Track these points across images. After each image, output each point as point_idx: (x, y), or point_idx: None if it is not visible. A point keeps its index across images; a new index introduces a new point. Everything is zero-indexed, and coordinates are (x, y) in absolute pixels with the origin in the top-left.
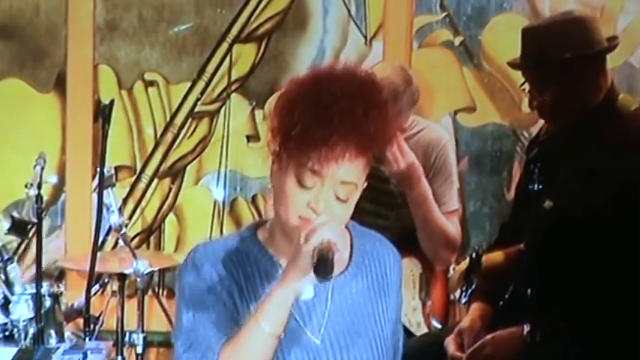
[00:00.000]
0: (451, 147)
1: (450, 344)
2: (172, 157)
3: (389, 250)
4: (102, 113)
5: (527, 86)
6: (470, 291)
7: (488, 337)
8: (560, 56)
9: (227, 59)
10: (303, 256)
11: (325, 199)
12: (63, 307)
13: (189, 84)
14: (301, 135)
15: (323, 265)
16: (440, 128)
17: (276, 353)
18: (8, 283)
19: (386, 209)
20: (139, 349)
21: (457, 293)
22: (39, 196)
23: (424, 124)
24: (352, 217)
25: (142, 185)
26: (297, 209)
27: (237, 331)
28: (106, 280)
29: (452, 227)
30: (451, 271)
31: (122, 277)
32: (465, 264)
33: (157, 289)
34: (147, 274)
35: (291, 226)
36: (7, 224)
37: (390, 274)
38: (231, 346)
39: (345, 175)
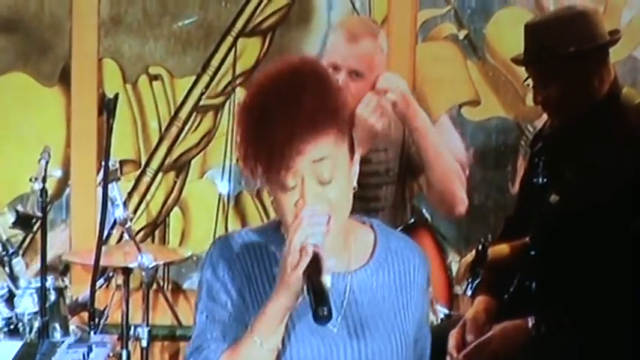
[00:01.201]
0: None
1: (451, 339)
2: (177, 151)
3: (414, 251)
4: (106, 107)
5: (530, 82)
6: (475, 283)
7: (494, 331)
8: (563, 51)
9: (232, 53)
10: (293, 280)
11: (310, 189)
12: (68, 301)
13: (193, 78)
14: (260, 145)
15: (321, 311)
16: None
17: None
18: (13, 277)
19: (373, 190)
20: (144, 343)
21: (463, 285)
22: (43, 190)
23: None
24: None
25: (146, 179)
26: (290, 212)
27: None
28: (111, 274)
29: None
30: (455, 264)
31: (127, 270)
32: (470, 256)
33: (161, 283)
34: (152, 267)
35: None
36: (12, 218)
37: (413, 273)
38: (229, 358)
39: (315, 155)
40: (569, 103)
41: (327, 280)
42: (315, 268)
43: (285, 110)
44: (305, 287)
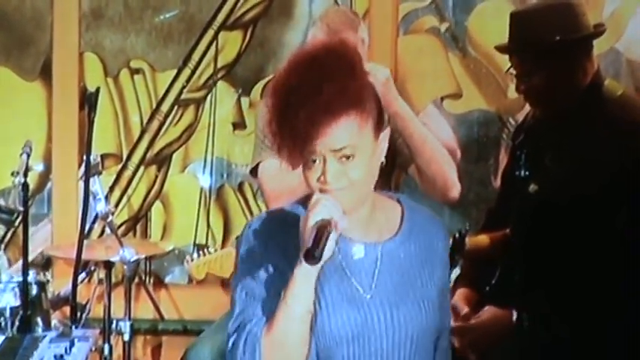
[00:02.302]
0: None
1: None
2: (158, 145)
3: (437, 224)
4: (88, 101)
5: (513, 70)
6: (454, 270)
7: (476, 320)
8: (549, 39)
9: (213, 46)
10: (307, 239)
11: (330, 168)
12: (49, 295)
13: (175, 71)
14: (284, 127)
15: (312, 253)
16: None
17: (312, 329)
18: None
19: None
20: (126, 337)
21: None
22: (25, 185)
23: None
24: None
25: (128, 173)
26: (314, 186)
27: None
28: (93, 268)
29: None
30: None
31: (109, 264)
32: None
33: (143, 277)
34: (133, 261)
35: None
36: None
37: (436, 245)
38: (269, 332)
39: (333, 144)
40: (552, 94)
41: (333, 238)
42: (323, 225)
43: (307, 96)
44: (311, 235)
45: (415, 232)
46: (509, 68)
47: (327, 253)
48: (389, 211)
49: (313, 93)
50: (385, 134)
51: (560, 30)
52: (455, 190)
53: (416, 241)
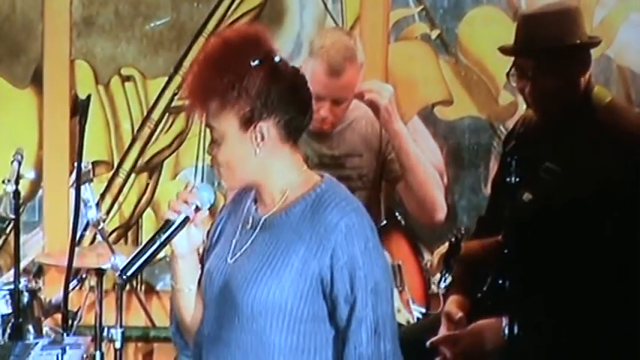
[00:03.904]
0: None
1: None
2: (150, 152)
3: (342, 217)
4: (79, 108)
5: (514, 72)
6: (449, 276)
7: (465, 329)
8: (566, 42)
9: None
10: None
11: (209, 147)
12: (41, 303)
13: (166, 79)
14: None
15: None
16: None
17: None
18: None
19: None
20: (118, 344)
21: (436, 278)
22: (16, 192)
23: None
24: None
25: (119, 180)
26: None
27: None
28: (84, 276)
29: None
30: (427, 258)
31: (100, 272)
32: (444, 248)
33: (134, 285)
34: None
35: None
36: None
37: (327, 236)
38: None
39: (205, 120)
40: (555, 96)
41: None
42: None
43: (194, 74)
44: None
45: (308, 214)
46: (510, 69)
47: (181, 242)
48: (296, 189)
49: (198, 70)
50: (257, 128)
51: (574, 34)
52: (442, 213)
53: (303, 223)
